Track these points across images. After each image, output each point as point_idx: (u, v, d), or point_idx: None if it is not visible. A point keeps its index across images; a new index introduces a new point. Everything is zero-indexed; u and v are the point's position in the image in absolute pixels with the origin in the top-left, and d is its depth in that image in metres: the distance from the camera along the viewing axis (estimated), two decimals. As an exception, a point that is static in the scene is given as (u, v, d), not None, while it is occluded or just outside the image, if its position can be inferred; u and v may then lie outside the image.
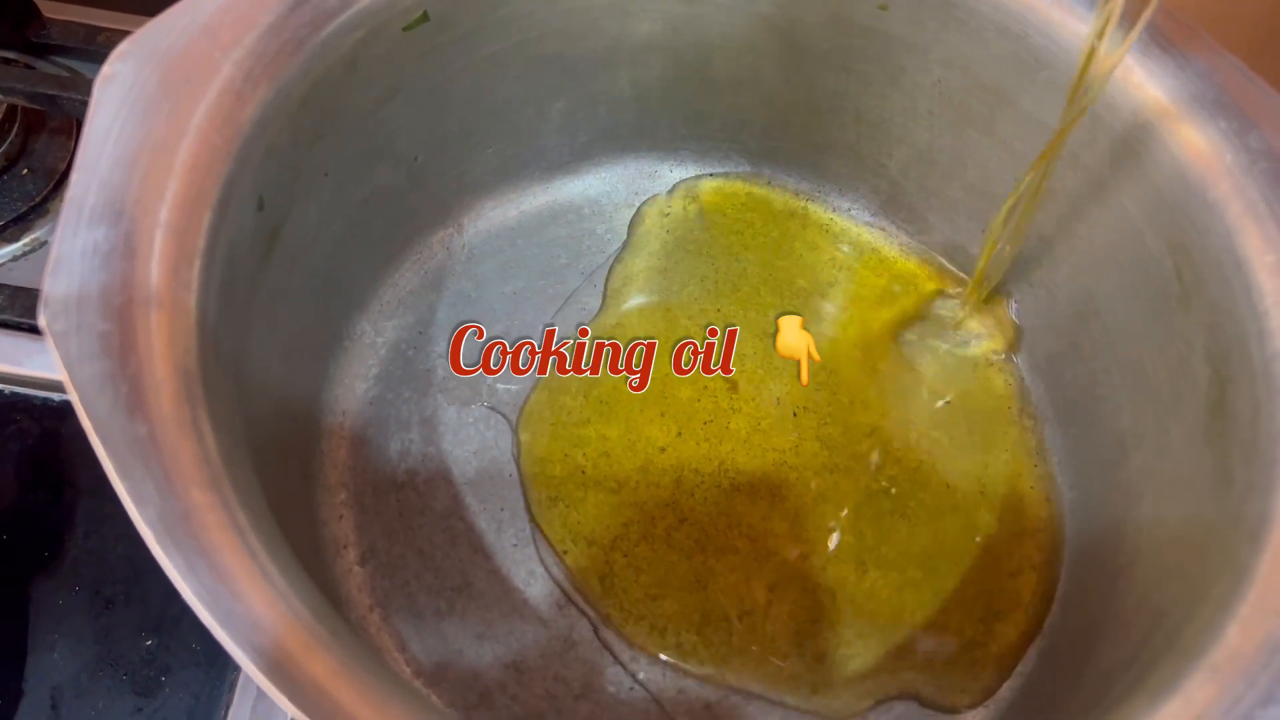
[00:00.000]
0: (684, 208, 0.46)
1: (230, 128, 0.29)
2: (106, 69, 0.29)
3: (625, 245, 0.45)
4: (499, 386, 0.42)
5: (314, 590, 0.25)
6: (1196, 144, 0.33)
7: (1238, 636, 0.26)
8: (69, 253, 0.26)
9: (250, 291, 0.31)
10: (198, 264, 0.28)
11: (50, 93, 0.47)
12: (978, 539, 0.40)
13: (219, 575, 0.23)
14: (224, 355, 0.29)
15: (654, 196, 0.46)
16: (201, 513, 0.24)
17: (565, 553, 0.39)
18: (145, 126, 0.28)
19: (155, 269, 0.27)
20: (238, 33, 0.30)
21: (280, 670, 0.22)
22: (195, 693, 0.40)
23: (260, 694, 0.40)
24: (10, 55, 0.52)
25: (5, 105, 0.49)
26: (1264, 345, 0.30)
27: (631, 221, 0.46)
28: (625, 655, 0.37)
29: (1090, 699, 0.30)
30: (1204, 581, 0.29)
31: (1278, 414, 0.29)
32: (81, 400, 0.24)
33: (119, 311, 0.26)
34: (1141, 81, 0.34)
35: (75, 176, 0.27)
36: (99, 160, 0.27)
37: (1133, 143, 0.35)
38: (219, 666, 0.41)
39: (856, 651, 0.38)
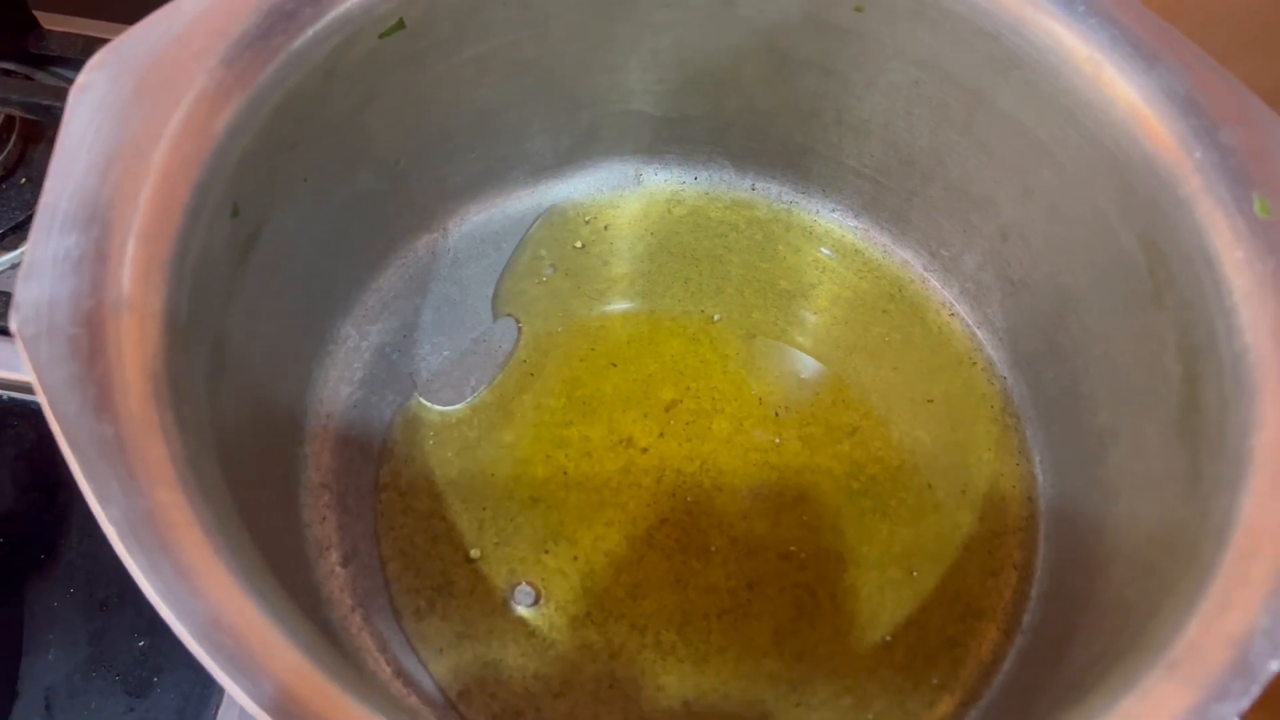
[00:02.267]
0: (668, 210, 0.47)
1: (203, 136, 0.30)
2: (82, 78, 0.29)
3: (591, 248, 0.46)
4: (482, 389, 0.42)
5: (278, 588, 0.25)
6: (1166, 140, 0.33)
7: (1197, 632, 0.26)
8: (41, 258, 0.27)
9: (227, 296, 0.32)
10: (169, 268, 0.28)
11: (47, 103, 0.48)
12: (958, 538, 0.40)
13: (181, 572, 0.23)
14: (197, 359, 0.29)
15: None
16: (166, 511, 0.24)
17: (546, 553, 0.39)
18: (119, 134, 0.29)
19: (126, 274, 0.27)
20: (211, 42, 0.31)
21: (238, 665, 0.23)
22: (186, 693, 0.41)
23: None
24: (9, 66, 0.53)
25: (3, 116, 0.49)
26: (1232, 341, 0.30)
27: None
28: (605, 654, 0.38)
29: (1059, 696, 0.30)
30: (1171, 578, 0.29)
31: (1244, 409, 0.29)
32: (50, 402, 0.25)
33: (88, 315, 0.26)
34: (1112, 78, 0.34)
35: (49, 184, 0.28)
36: (73, 167, 0.28)
37: (1105, 140, 0.35)
38: (209, 667, 0.41)
39: (836, 650, 0.38)
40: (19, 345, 0.25)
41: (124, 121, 0.29)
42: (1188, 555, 0.29)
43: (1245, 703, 0.24)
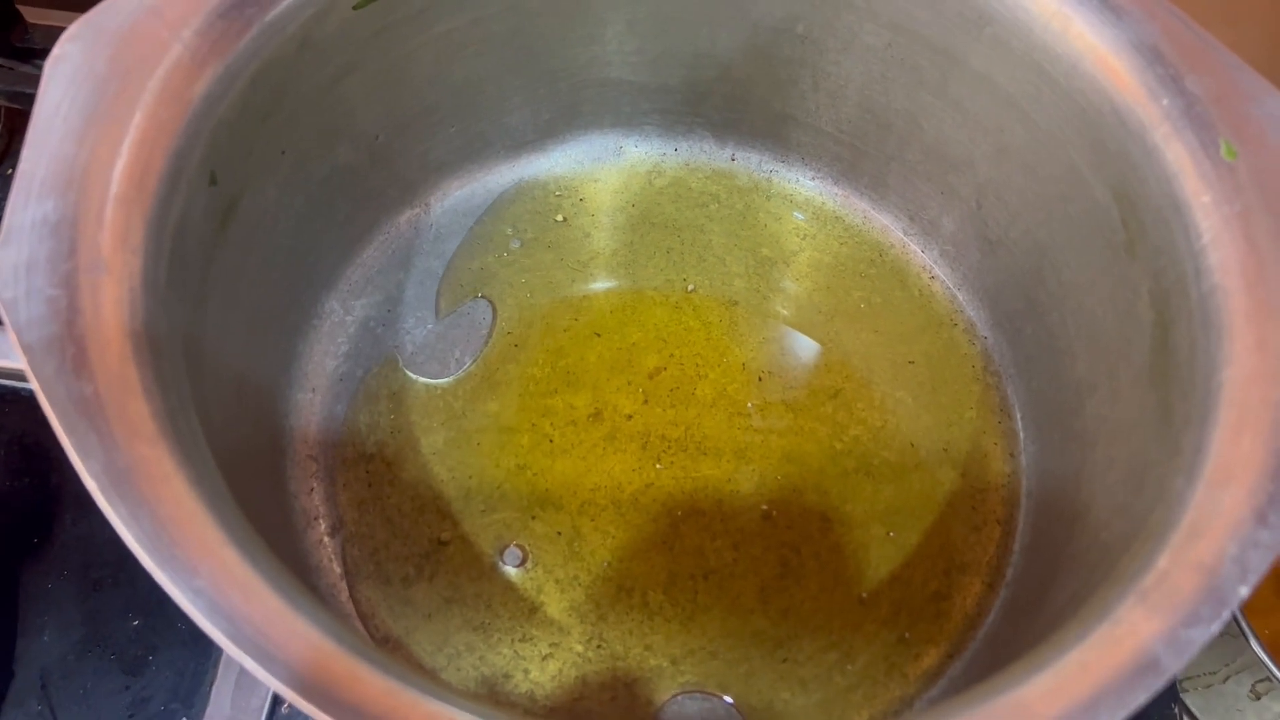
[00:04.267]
0: (649, 182, 0.47)
1: (179, 104, 0.30)
2: (57, 50, 0.30)
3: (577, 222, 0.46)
4: (467, 360, 0.42)
5: (254, 536, 0.25)
6: (1135, 91, 0.33)
7: (1168, 563, 0.26)
8: (19, 224, 0.27)
9: (205, 263, 0.32)
10: (147, 232, 0.28)
11: (31, 92, 0.48)
12: (941, 495, 0.41)
13: (161, 523, 0.24)
14: (176, 323, 0.29)
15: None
16: (146, 465, 0.25)
17: (533, 519, 0.39)
18: (94, 103, 0.29)
19: (103, 236, 0.27)
20: (185, 13, 0.31)
21: (218, 610, 0.23)
22: (180, 670, 0.41)
23: (243, 670, 0.41)
24: (-7, 60, 0.54)
25: (-11, 106, 0.50)
26: (1200, 283, 0.31)
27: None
28: (592, 615, 0.38)
29: (1036, 638, 0.30)
30: (1142, 515, 0.29)
31: (1213, 348, 0.29)
32: (30, 362, 0.25)
33: (66, 277, 0.26)
34: (1081, 31, 0.34)
35: (25, 153, 0.28)
36: (49, 136, 0.28)
37: (1075, 94, 0.35)
38: (204, 644, 0.41)
39: (821, 606, 0.38)
40: (-2, 307, 0.26)
41: (99, 90, 0.29)
42: (1157, 491, 0.29)
43: (1216, 627, 0.25)
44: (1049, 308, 0.40)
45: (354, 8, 0.35)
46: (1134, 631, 0.25)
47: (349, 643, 0.24)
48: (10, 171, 0.51)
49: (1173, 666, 0.24)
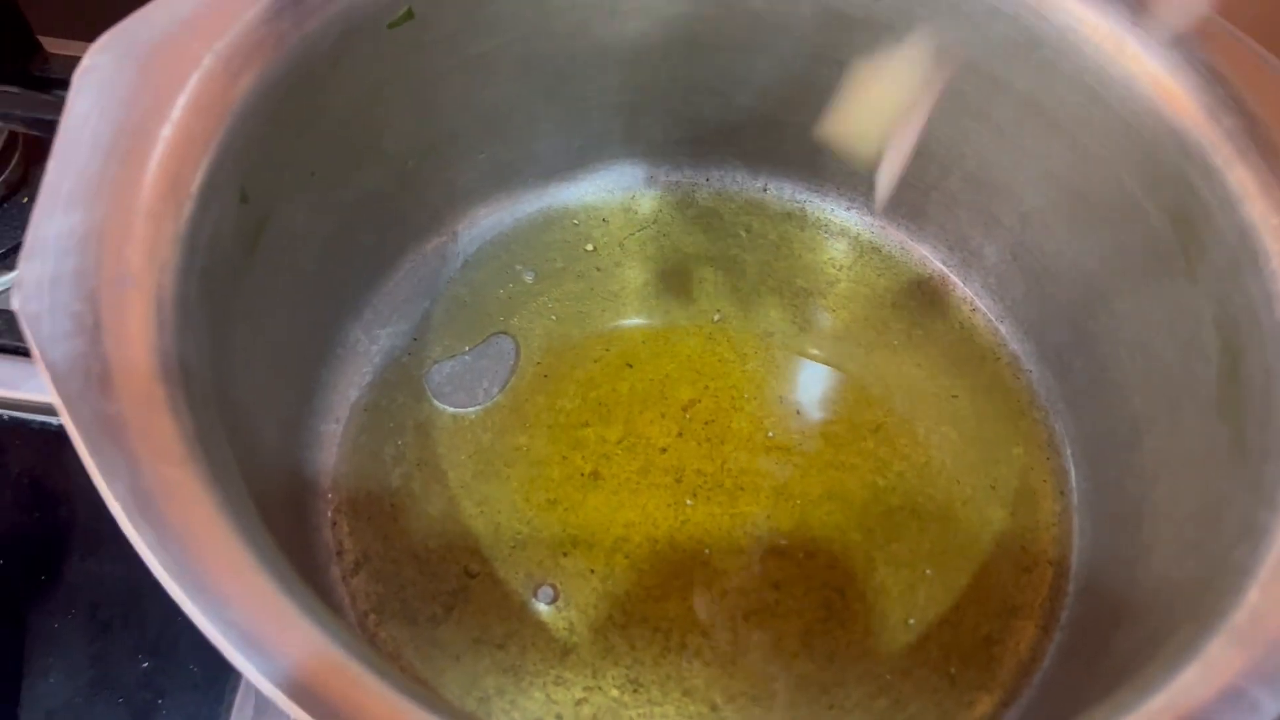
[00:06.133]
0: (681, 211, 0.46)
1: (211, 118, 0.29)
2: (86, 61, 0.29)
3: (610, 252, 0.45)
4: (495, 390, 0.41)
5: (284, 562, 0.24)
6: (1193, 112, 0.32)
7: (1260, 599, 0.25)
8: (44, 237, 0.26)
9: (234, 286, 0.31)
10: (177, 248, 0.27)
11: (50, 119, 0.47)
12: (990, 534, 0.39)
13: (189, 550, 0.22)
14: (204, 343, 0.28)
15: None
16: (172, 488, 0.23)
17: (565, 555, 0.38)
18: (124, 115, 0.28)
19: (131, 251, 0.26)
20: (219, 26, 0.30)
21: (252, 642, 0.21)
22: (192, 714, 0.39)
23: (255, 714, 0.39)
24: (12, 90, 0.53)
25: (6, 133, 0.49)
26: (1274, 309, 0.30)
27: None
28: (627, 657, 0.36)
29: (1107, 685, 0.29)
30: (1222, 551, 0.27)
31: (1290, 377, 0.28)
32: (53, 379, 0.24)
33: (92, 292, 0.25)
34: (1136, 52, 0.33)
35: (51, 164, 0.27)
36: (76, 148, 0.27)
37: (1128, 116, 0.34)
38: (216, 688, 0.40)
39: (868, 650, 0.37)
40: (21, 323, 0.25)
41: (129, 102, 0.28)
42: (1239, 526, 0.27)
43: (1316, 669, 0.23)
44: (1100, 339, 0.38)
45: (389, 26, 0.34)
46: (1227, 671, 0.23)
47: (393, 680, 0.22)
48: (27, 200, 0.50)
49: (1272, 710, 0.23)
